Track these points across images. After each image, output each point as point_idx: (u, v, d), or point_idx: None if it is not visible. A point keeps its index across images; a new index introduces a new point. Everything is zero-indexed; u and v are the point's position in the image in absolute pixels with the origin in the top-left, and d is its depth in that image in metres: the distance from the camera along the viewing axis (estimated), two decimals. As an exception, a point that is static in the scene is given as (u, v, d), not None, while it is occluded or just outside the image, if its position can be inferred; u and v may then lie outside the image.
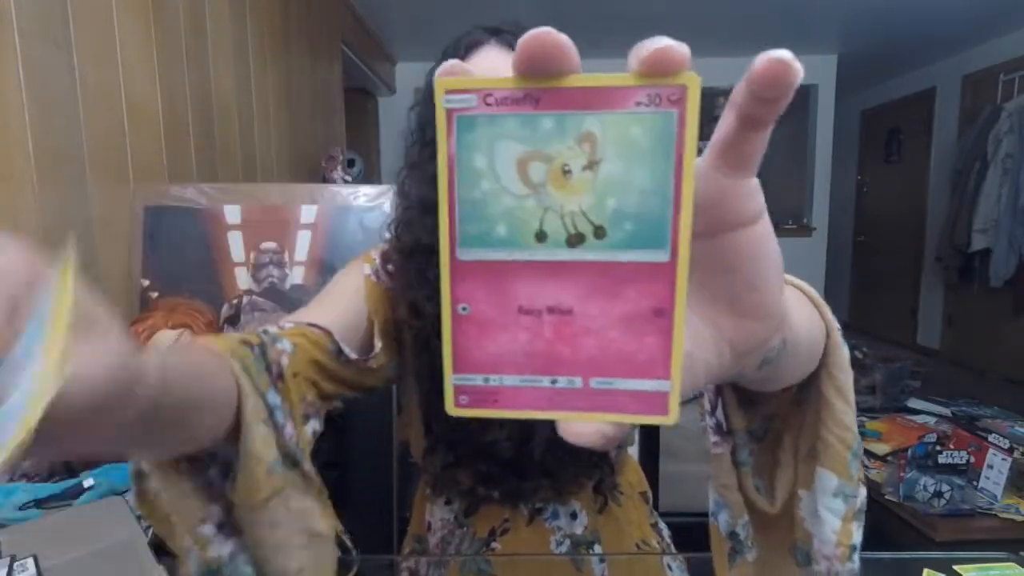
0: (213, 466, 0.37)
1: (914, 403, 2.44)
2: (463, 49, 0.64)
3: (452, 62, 0.18)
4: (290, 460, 0.40)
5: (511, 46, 0.63)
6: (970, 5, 3.49)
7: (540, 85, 0.17)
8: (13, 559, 0.52)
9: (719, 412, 0.38)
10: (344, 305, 0.58)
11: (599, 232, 0.18)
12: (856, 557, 0.35)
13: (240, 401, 0.36)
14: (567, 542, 0.71)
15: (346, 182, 2.26)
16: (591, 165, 0.18)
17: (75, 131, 1.15)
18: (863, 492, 0.36)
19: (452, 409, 0.20)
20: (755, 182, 0.21)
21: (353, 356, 0.53)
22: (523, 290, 0.19)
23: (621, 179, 0.18)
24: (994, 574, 0.62)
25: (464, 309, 0.19)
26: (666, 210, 0.18)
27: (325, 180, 2.29)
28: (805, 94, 4.90)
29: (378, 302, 0.60)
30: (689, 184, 0.17)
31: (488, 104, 0.17)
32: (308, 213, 1.33)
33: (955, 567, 0.62)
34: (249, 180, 1.91)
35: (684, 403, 0.20)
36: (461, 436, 0.68)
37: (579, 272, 0.18)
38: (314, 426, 0.47)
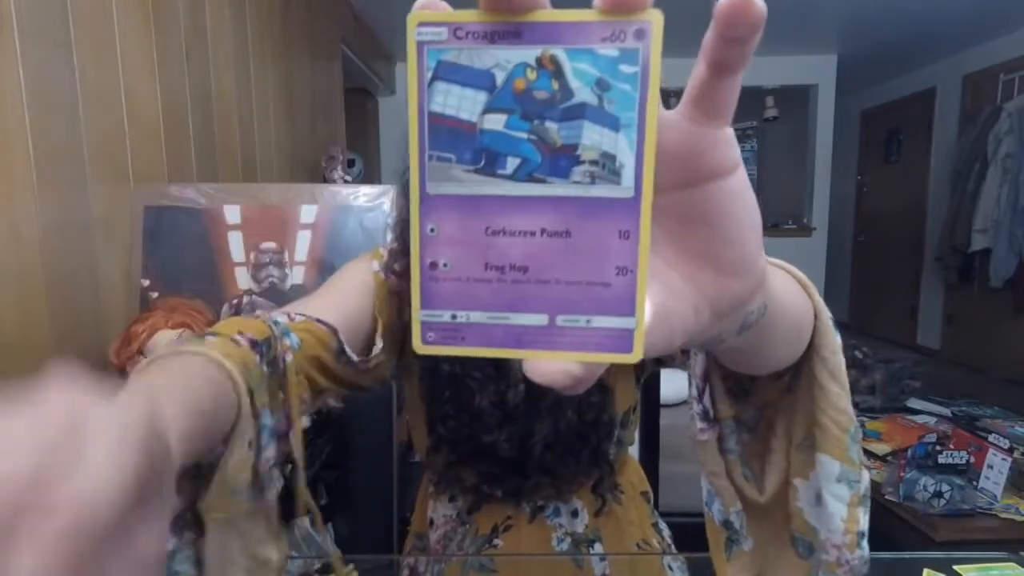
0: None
1: (914, 403, 2.45)
2: None
3: None
4: (258, 486, 0.40)
5: None
6: (970, 5, 3.49)
7: (508, 19, 0.17)
8: (13, 559, 0.52)
9: (706, 399, 0.38)
10: (350, 300, 0.58)
11: (566, 167, 0.18)
12: (865, 544, 0.35)
13: (235, 420, 0.37)
14: (568, 540, 0.71)
15: (346, 182, 2.26)
16: (558, 100, 0.18)
17: (75, 131, 1.15)
18: (866, 476, 0.35)
19: (419, 346, 0.20)
20: (730, 132, 0.21)
21: (355, 359, 0.53)
22: (490, 225, 0.19)
23: (587, 114, 0.18)
24: (994, 574, 0.62)
25: (432, 231, 0.19)
26: (631, 146, 0.18)
27: (325, 180, 2.29)
28: (805, 94, 4.90)
29: (384, 300, 0.60)
30: (653, 119, 0.18)
31: (458, 37, 0.18)
32: (308, 213, 1.33)
33: (955, 567, 0.62)
34: (249, 180, 1.91)
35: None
36: (463, 435, 0.68)
37: (545, 207, 0.19)
38: (303, 423, 0.47)
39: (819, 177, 4.88)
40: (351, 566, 0.49)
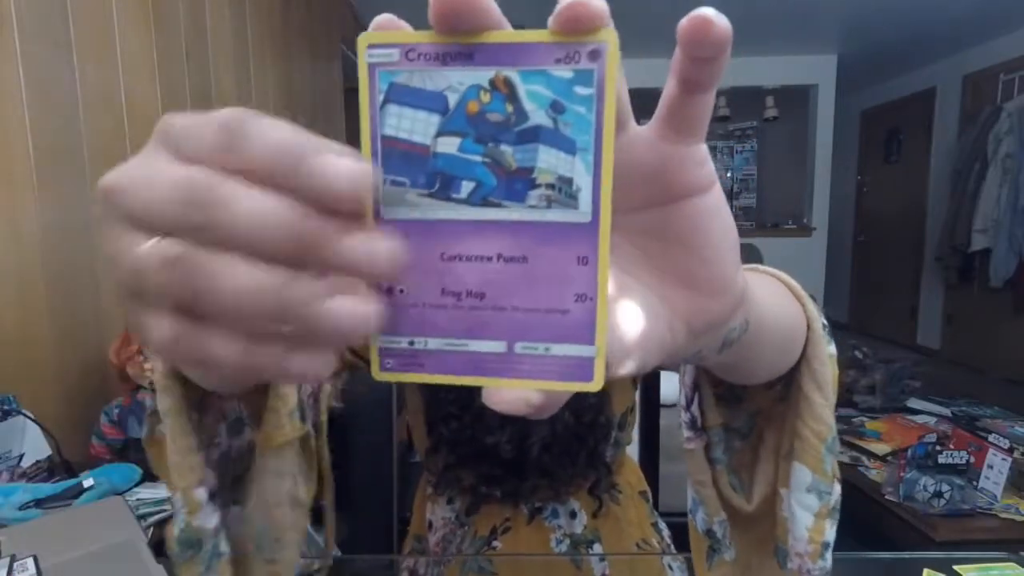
0: (223, 422, 0.37)
1: (914, 403, 2.45)
2: None
3: (386, 16, 0.18)
4: (301, 414, 0.40)
5: None
6: (970, 5, 3.49)
7: (460, 40, 0.17)
8: (13, 559, 0.52)
9: (694, 408, 0.38)
10: None
11: (521, 190, 0.18)
12: (828, 555, 0.35)
13: None
14: (567, 540, 0.71)
15: (346, 182, 2.25)
16: (512, 123, 0.18)
17: (75, 131, 1.15)
18: (838, 489, 0.35)
19: (377, 373, 0.20)
20: (703, 150, 0.21)
21: None
22: (446, 250, 0.19)
23: (542, 137, 0.18)
24: (994, 574, 0.62)
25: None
26: (588, 169, 0.18)
27: (325, 180, 2.29)
28: (805, 94, 4.91)
29: None
30: (610, 142, 0.17)
31: (410, 59, 0.17)
32: (308, 213, 1.33)
33: (955, 567, 0.62)
34: (249, 180, 1.91)
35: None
36: (464, 436, 0.68)
37: (501, 232, 0.18)
38: (326, 387, 0.47)
39: (819, 177, 4.88)
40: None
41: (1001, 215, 3.74)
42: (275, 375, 0.17)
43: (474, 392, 0.20)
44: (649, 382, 1.03)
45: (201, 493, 0.34)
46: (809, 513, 0.34)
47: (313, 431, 0.43)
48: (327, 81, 2.90)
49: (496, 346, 0.19)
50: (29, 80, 1.02)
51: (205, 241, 0.15)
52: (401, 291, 0.19)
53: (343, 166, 0.15)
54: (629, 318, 0.21)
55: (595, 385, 0.19)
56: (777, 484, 0.36)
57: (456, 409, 0.69)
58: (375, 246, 0.16)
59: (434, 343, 0.19)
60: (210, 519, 0.35)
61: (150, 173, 0.16)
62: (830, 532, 0.35)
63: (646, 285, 0.23)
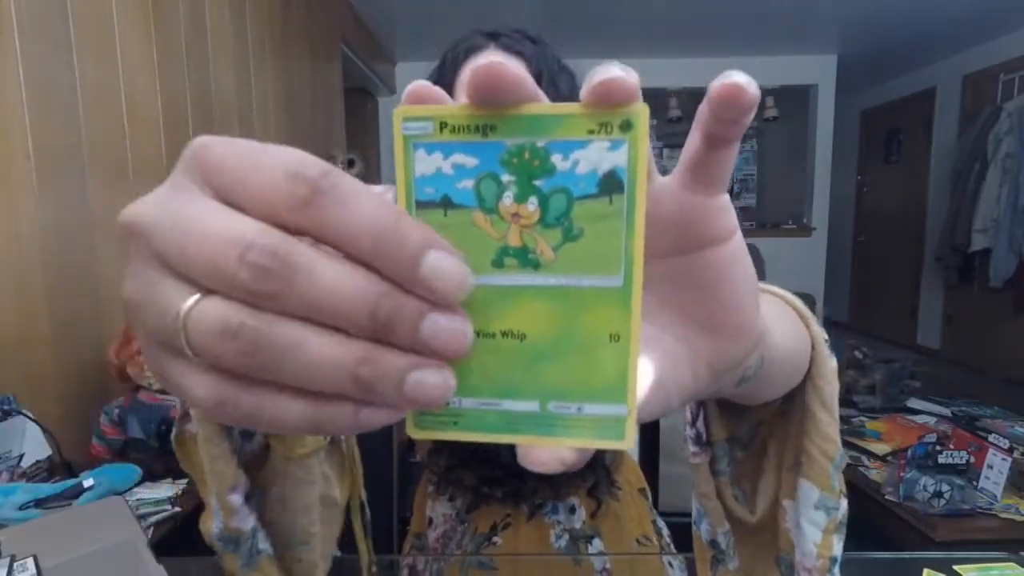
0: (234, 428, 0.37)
1: (914, 403, 2.45)
2: (462, 54, 0.65)
3: (419, 84, 0.18)
4: None
5: (510, 51, 0.63)
6: (970, 5, 3.49)
7: (495, 112, 0.18)
8: (13, 559, 0.52)
9: (699, 423, 0.38)
10: None
11: (553, 258, 0.19)
12: (837, 570, 0.35)
13: None
14: (566, 536, 0.71)
15: (346, 182, 2.25)
16: (545, 193, 0.18)
17: (75, 131, 1.15)
18: (844, 504, 0.36)
19: (412, 431, 0.20)
20: (725, 199, 0.22)
21: None
22: (480, 314, 0.19)
23: (575, 205, 0.18)
24: (994, 574, 0.62)
25: None
26: (619, 236, 0.18)
27: (325, 180, 2.29)
28: (805, 94, 4.91)
29: None
30: (641, 211, 0.18)
31: (444, 132, 0.18)
32: (308, 213, 1.33)
33: (955, 567, 0.62)
34: (249, 180, 1.91)
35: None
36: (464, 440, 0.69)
37: (534, 297, 0.19)
38: None
39: (819, 177, 4.88)
40: None
41: (1001, 215, 3.74)
42: (340, 432, 0.17)
43: None
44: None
45: (236, 499, 0.35)
46: (817, 529, 0.35)
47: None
48: (327, 81, 2.90)
49: (529, 406, 0.19)
50: (29, 80, 1.02)
51: (271, 308, 0.14)
52: None
53: (454, 270, 0.15)
54: (652, 365, 0.22)
55: (626, 444, 0.19)
56: (780, 496, 0.37)
57: None
58: (455, 326, 0.16)
59: (468, 402, 0.20)
60: (246, 521, 0.36)
61: (195, 219, 0.14)
62: (837, 547, 0.35)
63: (668, 330, 0.23)
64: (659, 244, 0.22)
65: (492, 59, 0.17)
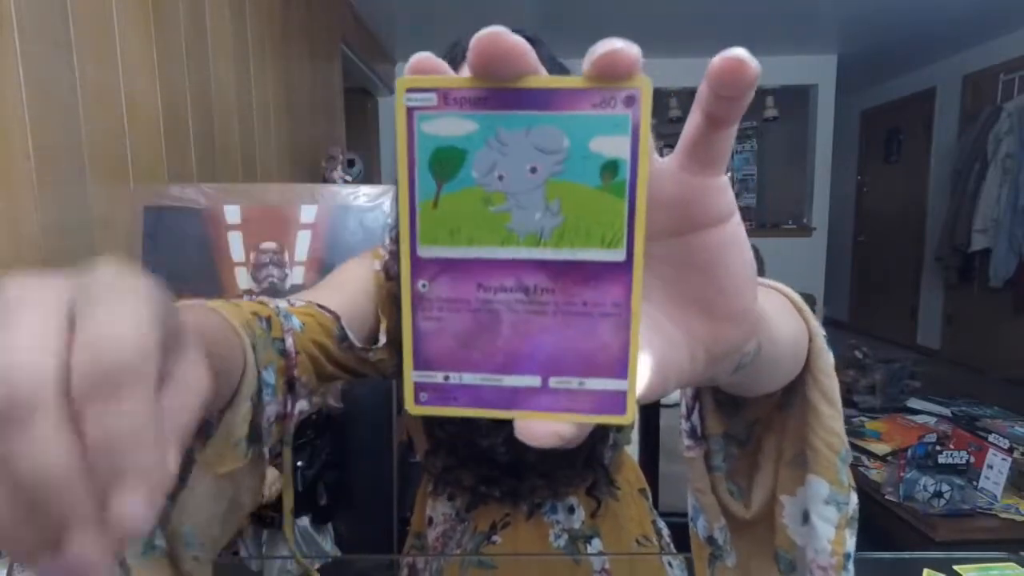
0: None
1: (914, 403, 2.45)
2: (461, 54, 0.65)
3: (422, 55, 0.18)
4: (256, 438, 0.40)
5: None
6: (970, 5, 3.49)
7: (498, 85, 0.18)
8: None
9: (695, 417, 0.38)
10: (352, 293, 0.59)
11: (557, 231, 0.18)
12: (851, 566, 0.35)
13: (242, 375, 0.37)
14: (565, 536, 0.71)
15: (346, 182, 2.26)
16: (548, 165, 0.18)
17: (75, 131, 1.15)
18: (854, 498, 0.35)
19: (412, 407, 0.20)
20: (724, 180, 0.22)
21: (357, 344, 0.54)
22: (482, 288, 0.19)
23: (577, 179, 0.18)
24: (994, 574, 0.62)
25: (424, 293, 0.20)
26: (622, 210, 0.18)
27: (325, 180, 2.29)
28: (805, 94, 4.91)
29: (385, 300, 0.61)
30: (643, 185, 0.18)
31: (448, 103, 0.18)
32: (308, 213, 1.33)
33: (955, 567, 0.62)
34: (249, 180, 1.91)
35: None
36: (461, 440, 0.69)
37: (537, 270, 0.19)
38: (302, 405, 0.47)
39: (819, 177, 4.88)
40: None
41: (1001, 215, 3.74)
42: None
43: None
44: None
45: None
46: (830, 525, 0.34)
47: (280, 445, 0.43)
48: (327, 81, 2.90)
49: (531, 380, 0.19)
50: (29, 80, 1.02)
51: None
52: (438, 324, 0.19)
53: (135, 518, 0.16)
54: (651, 347, 0.21)
55: (627, 418, 0.19)
56: (777, 491, 0.37)
57: None
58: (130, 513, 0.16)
59: (469, 377, 0.20)
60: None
61: None
62: (850, 542, 0.35)
63: (666, 313, 0.23)
64: (658, 224, 0.22)
65: (495, 28, 0.17)
